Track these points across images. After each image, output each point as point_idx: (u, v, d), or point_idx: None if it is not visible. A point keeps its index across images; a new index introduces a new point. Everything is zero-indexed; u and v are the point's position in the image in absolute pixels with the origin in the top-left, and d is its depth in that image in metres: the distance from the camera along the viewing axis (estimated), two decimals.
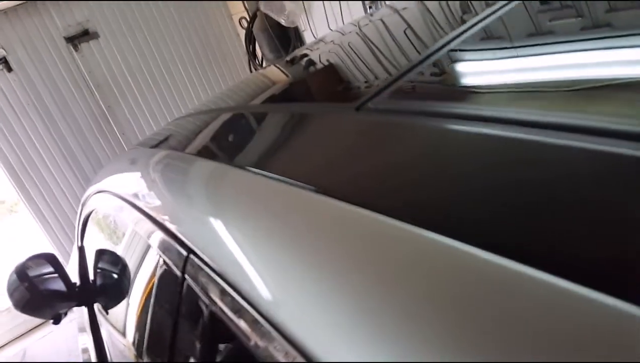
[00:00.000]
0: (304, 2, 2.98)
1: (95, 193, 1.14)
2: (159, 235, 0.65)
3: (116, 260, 1.03)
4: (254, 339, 0.38)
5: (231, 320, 0.43)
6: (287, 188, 0.47)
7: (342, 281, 0.34)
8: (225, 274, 0.46)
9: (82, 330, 1.46)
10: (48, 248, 3.40)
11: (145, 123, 3.73)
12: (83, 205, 1.29)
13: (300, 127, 0.68)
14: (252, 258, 0.43)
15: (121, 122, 3.65)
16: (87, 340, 1.36)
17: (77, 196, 3.48)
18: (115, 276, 1.08)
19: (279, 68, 1.21)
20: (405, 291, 0.30)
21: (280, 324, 0.36)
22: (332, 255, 0.36)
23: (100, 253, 1.19)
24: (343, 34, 1.12)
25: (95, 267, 1.21)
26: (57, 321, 1.18)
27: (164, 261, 0.64)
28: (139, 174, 0.91)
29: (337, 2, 2.80)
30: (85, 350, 1.40)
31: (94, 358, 1.27)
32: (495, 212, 0.32)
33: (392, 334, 0.28)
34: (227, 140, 0.82)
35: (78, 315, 1.58)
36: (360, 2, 2.68)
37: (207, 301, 0.49)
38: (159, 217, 0.67)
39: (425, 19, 0.88)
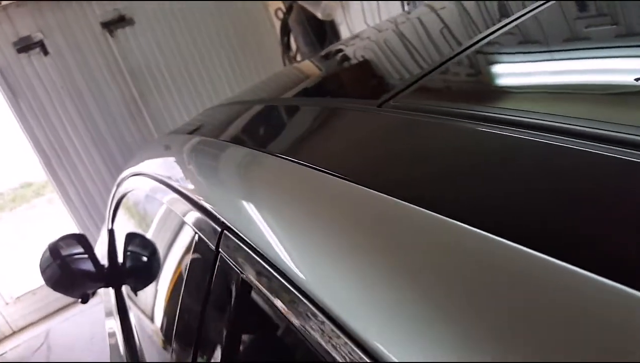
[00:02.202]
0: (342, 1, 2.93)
1: (130, 176, 1.12)
2: (194, 214, 0.67)
3: (147, 243, 1.03)
4: (291, 318, 0.39)
5: (268, 300, 0.44)
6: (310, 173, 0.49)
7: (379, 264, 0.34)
8: (262, 251, 0.47)
9: (109, 314, 1.46)
10: (74, 231, 3.44)
11: (176, 112, 3.73)
12: (117, 187, 1.27)
13: (326, 121, 0.72)
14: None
15: (152, 110, 3.66)
16: (114, 324, 1.35)
17: (104, 180, 3.50)
18: (145, 258, 1.08)
19: (312, 62, 1.23)
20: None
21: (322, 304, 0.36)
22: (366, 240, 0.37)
23: (132, 236, 1.19)
24: (379, 31, 1.11)
25: (126, 249, 1.20)
26: (84, 300, 1.21)
27: (199, 238, 0.66)
28: (175, 158, 0.92)
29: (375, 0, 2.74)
30: (112, 335, 1.40)
31: (121, 341, 1.26)
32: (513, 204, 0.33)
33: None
34: (259, 130, 0.85)
35: (105, 299, 1.57)
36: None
37: (243, 277, 0.50)
38: (195, 197, 0.68)
39: (461, 19, 0.88)
